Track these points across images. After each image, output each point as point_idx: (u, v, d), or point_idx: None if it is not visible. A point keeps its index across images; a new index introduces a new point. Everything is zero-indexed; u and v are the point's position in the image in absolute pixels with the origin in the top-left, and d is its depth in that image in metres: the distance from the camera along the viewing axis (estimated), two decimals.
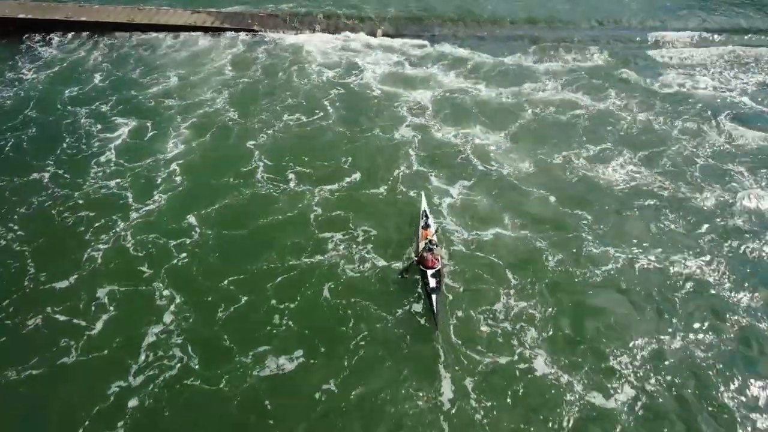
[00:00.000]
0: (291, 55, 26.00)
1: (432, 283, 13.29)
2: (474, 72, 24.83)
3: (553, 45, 27.15)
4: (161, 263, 15.15)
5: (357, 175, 18.22)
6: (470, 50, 26.47)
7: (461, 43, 27.34)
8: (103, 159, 19.11)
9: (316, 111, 21.65)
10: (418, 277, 14.24)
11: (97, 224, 16.47)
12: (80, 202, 17.33)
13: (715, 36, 28.48)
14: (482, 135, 20.25)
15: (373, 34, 28.11)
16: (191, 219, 16.50)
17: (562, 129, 20.73)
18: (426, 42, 27.40)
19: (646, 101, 22.50)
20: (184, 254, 15.41)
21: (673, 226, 16.62)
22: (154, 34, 28.07)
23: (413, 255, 14.66)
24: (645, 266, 15.29)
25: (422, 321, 13.63)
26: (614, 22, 30.01)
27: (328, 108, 21.90)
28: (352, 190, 17.65)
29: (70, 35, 27.75)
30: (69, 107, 22.14)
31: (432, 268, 13.45)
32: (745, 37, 28.34)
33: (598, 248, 15.73)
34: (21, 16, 28.66)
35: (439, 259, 13.73)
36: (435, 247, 13.76)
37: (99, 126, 20.95)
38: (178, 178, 18.20)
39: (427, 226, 14.88)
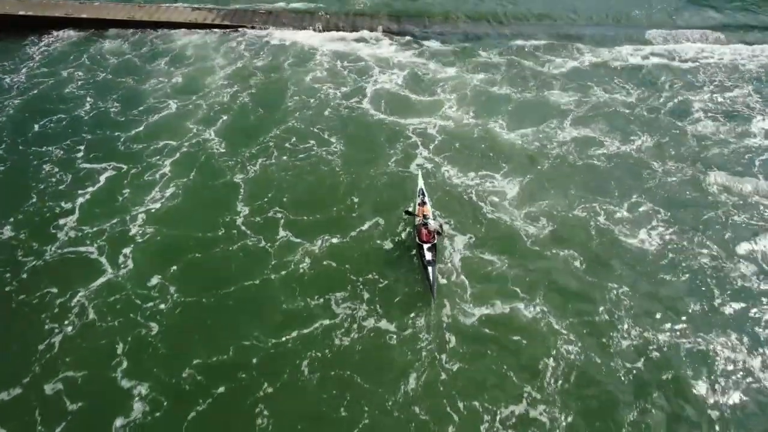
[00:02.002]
0: (291, 58, 24.44)
1: (428, 256, 14.02)
2: (484, 70, 23.52)
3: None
4: (129, 343, 12.88)
5: (359, 218, 16.08)
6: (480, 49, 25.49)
7: (470, 41, 26.20)
8: (66, 221, 16.09)
9: (311, 139, 19.32)
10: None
11: (58, 300, 13.82)
12: (40, 268, 14.63)
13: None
14: (497, 177, 17.72)
15: (373, 30, 27.40)
16: (167, 285, 14.13)
17: (587, 174, 18.10)
18: (430, 41, 26.38)
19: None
20: (156, 329, 13.09)
21: (718, 307, 13.90)
22: (152, 34, 27.41)
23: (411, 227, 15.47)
24: (685, 358, 12.73)
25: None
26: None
27: (330, 137, 19.51)
28: (354, 239, 15.50)
29: (66, 36, 27.07)
30: (39, 145, 19.33)
31: (428, 242, 14.17)
32: None
33: (627, 336, 13.14)
34: (21, 13, 28.24)
35: (435, 235, 14.37)
36: (430, 221, 14.49)
37: (69, 175, 17.81)
38: (153, 230, 15.72)
39: (423, 203, 15.53)
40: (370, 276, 14.46)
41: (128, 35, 27.07)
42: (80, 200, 16.82)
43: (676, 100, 21.88)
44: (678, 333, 13.31)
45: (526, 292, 14.09)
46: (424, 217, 14.77)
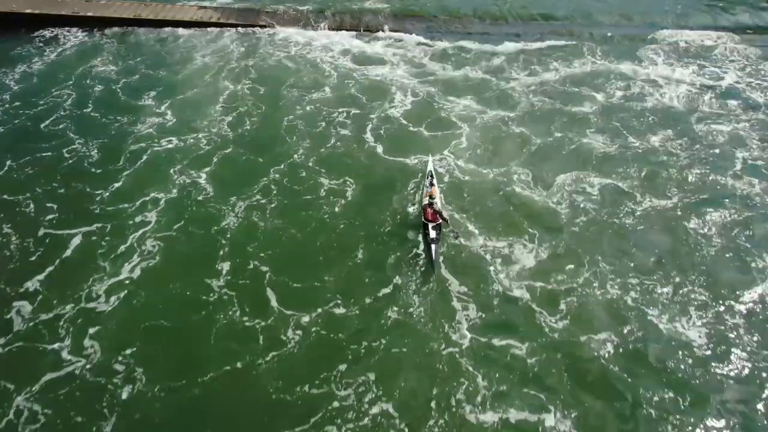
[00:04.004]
0: (296, 65, 22.97)
1: (432, 234, 14.89)
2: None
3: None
4: None
5: (366, 282, 14.56)
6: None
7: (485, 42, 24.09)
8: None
9: (311, 179, 17.72)
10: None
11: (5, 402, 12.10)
12: None
13: None
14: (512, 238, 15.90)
15: (381, 29, 26.01)
16: (133, 370, 12.55)
17: (617, 237, 15.96)
18: (441, 41, 24.39)
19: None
20: (118, 425, 11.77)
21: None
22: (155, 33, 26.42)
23: (419, 206, 16.18)
24: None
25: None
26: None
27: (330, 175, 17.92)
28: (362, 309, 14.06)
29: (70, 35, 26.29)
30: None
31: (433, 221, 14.98)
32: None
33: None
34: (28, 11, 27.61)
35: (438, 216, 15.03)
36: (435, 202, 15.31)
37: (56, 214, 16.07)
38: (124, 304, 13.99)
39: (431, 185, 16.33)
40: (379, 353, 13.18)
41: (130, 36, 26.10)
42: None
43: (717, 150, 19.06)
44: None
45: (544, 390, 12.57)
46: (431, 197, 15.47)
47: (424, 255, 15.16)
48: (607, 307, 14.15)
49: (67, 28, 26.66)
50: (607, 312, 14.04)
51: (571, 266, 15.09)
